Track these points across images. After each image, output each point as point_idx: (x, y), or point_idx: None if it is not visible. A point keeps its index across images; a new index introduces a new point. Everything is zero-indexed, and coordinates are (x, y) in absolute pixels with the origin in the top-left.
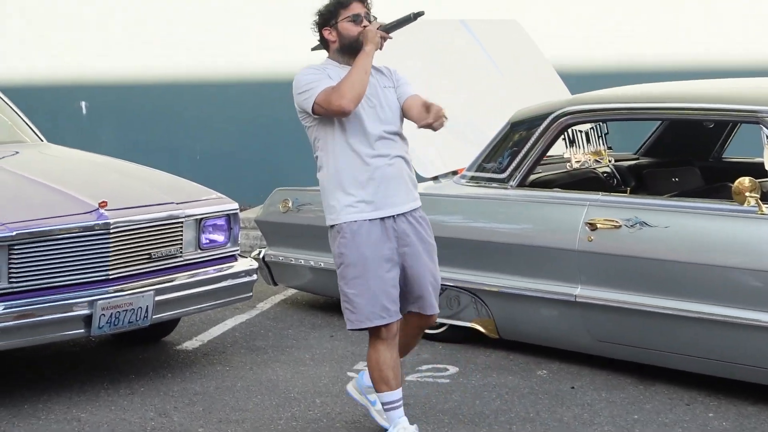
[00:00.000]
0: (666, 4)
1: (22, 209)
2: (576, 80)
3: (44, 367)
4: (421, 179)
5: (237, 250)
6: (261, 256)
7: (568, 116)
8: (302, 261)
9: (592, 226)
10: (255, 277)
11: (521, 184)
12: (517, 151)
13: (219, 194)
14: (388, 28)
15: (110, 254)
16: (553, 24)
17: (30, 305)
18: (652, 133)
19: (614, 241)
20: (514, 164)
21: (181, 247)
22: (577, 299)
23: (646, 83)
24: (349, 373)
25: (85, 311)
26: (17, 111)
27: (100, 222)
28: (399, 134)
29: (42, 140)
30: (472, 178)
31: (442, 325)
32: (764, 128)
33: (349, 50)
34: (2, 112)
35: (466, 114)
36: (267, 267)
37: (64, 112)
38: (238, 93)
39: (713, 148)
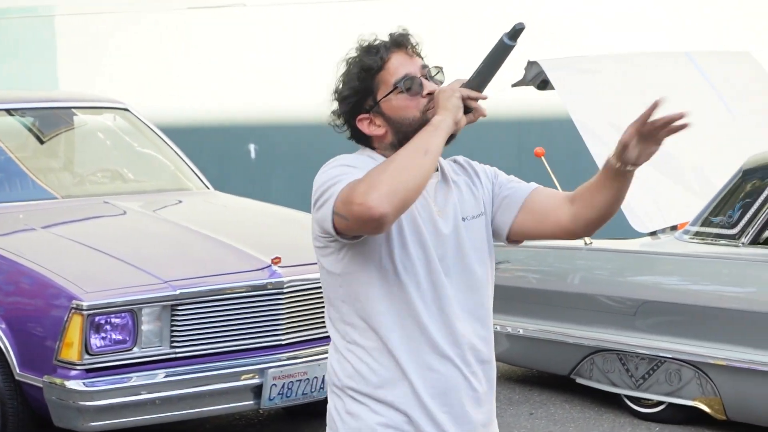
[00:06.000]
0: None
1: (186, 265)
2: None
3: None
4: (636, 234)
5: None
6: None
7: None
8: (497, 327)
9: None
10: None
11: (755, 242)
12: (750, 203)
13: None
14: (480, 81)
15: (283, 317)
16: None
17: (193, 373)
18: None
19: None
20: (746, 218)
21: None
22: None
23: None
24: None
25: (255, 381)
26: (182, 156)
27: (273, 280)
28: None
29: (208, 188)
30: (697, 233)
31: (659, 403)
32: None
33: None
34: (166, 157)
35: (691, 159)
36: None
37: (231, 156)
38: None
39: None
